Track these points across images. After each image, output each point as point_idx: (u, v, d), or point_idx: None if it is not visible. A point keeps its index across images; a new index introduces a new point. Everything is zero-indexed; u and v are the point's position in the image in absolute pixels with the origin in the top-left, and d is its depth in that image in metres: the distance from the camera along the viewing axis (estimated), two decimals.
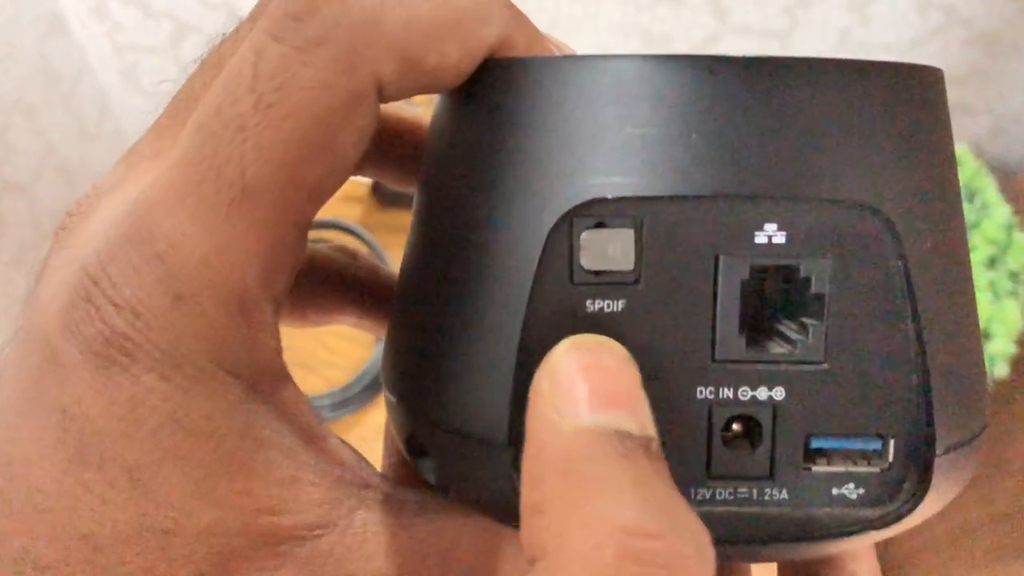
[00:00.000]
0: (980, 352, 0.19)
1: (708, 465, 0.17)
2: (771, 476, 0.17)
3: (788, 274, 0.17)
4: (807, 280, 0.17)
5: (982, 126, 0.90)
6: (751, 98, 0.16)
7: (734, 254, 0.17)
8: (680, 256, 0.17)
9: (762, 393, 0.17)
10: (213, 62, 0.19)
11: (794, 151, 0.16)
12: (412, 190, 0.21)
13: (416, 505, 0.18)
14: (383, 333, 0.22)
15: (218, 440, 0.16)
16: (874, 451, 0.17)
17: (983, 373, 0.19)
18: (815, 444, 0.17)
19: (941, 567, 0.60)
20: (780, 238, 0.17)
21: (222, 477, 0.16)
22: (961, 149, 0.71)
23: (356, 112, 0.16)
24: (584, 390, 0.15)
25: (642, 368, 0.17)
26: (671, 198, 0.16)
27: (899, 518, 0.17)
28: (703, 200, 0.16)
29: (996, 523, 0.63)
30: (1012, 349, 0.65)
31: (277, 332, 0.17)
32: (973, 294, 0.18)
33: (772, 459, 0.17)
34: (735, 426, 0.17)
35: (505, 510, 0.17)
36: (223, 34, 0.19)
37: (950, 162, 0.18)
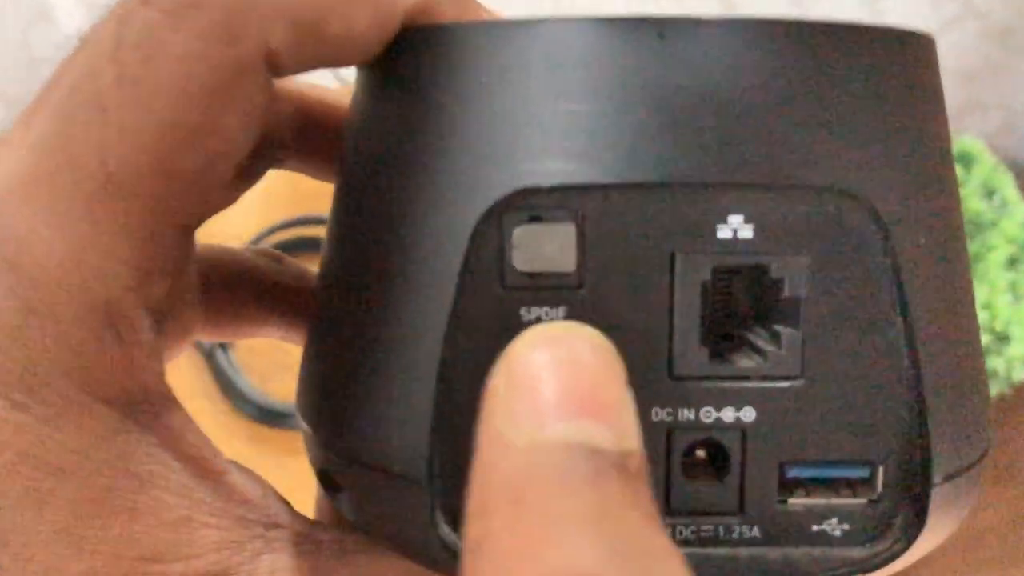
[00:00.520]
0: (981, 363, 0.16)
1: (666, 498, 0.15)
2: (740, 511, 0.15)
3: (757, 275, 0.15)
4: (779, 282, 0.14)
5: (993, 122, 0.88)
6: (709, 66, 0.14)
7: (693, 252, 0.14)
8: (629, 255, 0.14)
9: (728, 414, 0.15)
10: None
11: (761, 129, 0.14)
12: None
13: (333, 546, 0.16)
14: None
15: (88, 477, 0.14)
16: (860, 480, 0.15)
17: (985, 387, 0.16)
18: (791, 473, 0.15)
19: (953, 571, 0.58)
20: (747, 232, 0.14)
21: (94, 520, 0.14)
22: (977, 144, 0.69)
23: (241, 88, 0.14)
24: (551, 392, 0.12)
25: None
26: (617, 186, 0.14)
27: (891, 558, 0.15)
28: (655, 188, 0.14)
29: (1010, 527, 0.62)
30: None
31: (158, 351, 0.15)
32: (972, 297, 0.16)
33: (741, 491, 0.15)
34: (698, 453, 0.15)
35: (429, 555, 0.15)
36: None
37: (944, 144, 0.16)
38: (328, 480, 0.17)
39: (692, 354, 0.15)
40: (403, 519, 0.15)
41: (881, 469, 0.15)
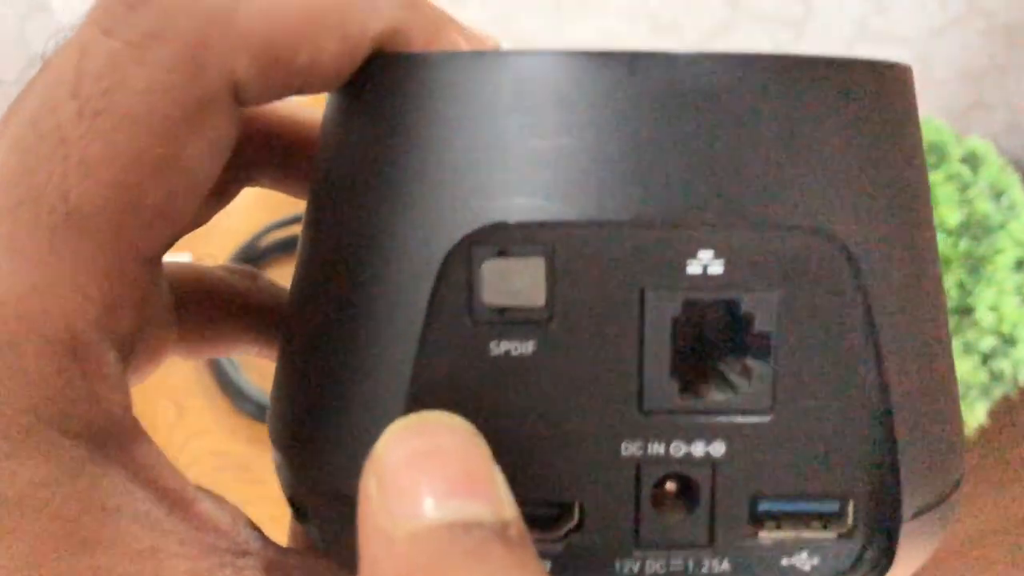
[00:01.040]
0: (955, 397, 0.16)
1: (636, 532, 0.15)
2: (711, 544, 0.15)
3: (728, 310, 0.15)
4: (750, 317, 0.14)
5: (999, 122, 0.87)
6: (680, 102, 0.14)
7: (663, 287, 0.14)
8: (599, 289, 0.14)
9: (699, 448, 0.15)
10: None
11: (732, 165, 0.14)
12: None
13: (304, 573, 0.16)
14: None
15: (53, 512, 0.14)
16: (831, 514, 0.15)
17: (958, 418, 0.16)
18: (762, 507, 0.15)
19: (953, 571, 0.58)
20: (717, 267, 0.14)
21: (60, 555, 0.14)
22: (985, 145, 0.68)
23: (206, 120, 0.14)
24: (421, 482, 0.12)
25: (557, 419, 0.14)
26: (587, 223, 0.14)
27: None
28: (625, 224, 0.14)
29: (1013, 528, 0.61)
30: None
31: (124, 383, 0.15)
32: (948, 331, 0.16)
33: (712, 524, 0.15)
34: (668, 485, 0.15)
35: None
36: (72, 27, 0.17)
37: (920, 179, 0.15)
38: (298, 508, 0.16)
39: (662, 388, 0.14)
40: None
41: (851, 504, 0.15)
